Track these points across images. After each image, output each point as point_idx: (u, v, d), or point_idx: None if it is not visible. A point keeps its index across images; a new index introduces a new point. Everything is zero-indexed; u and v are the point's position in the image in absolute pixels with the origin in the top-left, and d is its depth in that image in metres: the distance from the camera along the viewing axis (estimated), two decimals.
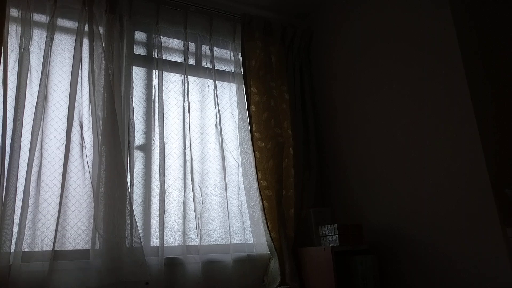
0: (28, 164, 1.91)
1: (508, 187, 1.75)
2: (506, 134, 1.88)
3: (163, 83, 2.37)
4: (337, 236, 2.12)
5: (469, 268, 1.78)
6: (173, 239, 2.19)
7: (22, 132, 1.95)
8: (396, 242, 2.14)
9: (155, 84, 2.35)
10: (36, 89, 2.04)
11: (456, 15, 1.96)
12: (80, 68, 2.14)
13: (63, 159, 1.99)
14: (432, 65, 2.02)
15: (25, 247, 1.85)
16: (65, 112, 2.08)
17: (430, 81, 2.03)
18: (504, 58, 2.06)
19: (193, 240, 2.20)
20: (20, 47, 2.06)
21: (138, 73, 2.38)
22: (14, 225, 1.83)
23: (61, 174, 1.97)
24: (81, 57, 2.16)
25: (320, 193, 2.60)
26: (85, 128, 2.09)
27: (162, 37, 2.47)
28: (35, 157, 1.94)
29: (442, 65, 1.97)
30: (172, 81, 2.46)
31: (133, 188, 2.10)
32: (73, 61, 2.13)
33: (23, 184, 1.88)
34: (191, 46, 2.59)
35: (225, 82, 2.62)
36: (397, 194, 2.17)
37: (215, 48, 2.62)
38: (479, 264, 1.74)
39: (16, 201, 1.86)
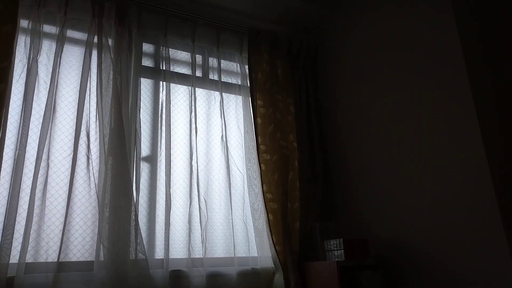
0: (34, 174, 1.89)
1: None
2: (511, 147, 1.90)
3: (170, 95, 2.37)
4: (342, 250, 2.11)
5: (476, 282, 1.78)
6: (177, 251, 2.17)
7: (29, 142, 1.94)
8: (402, 256, 2.13)
9: (162, 95, 2.36)
10: (44, 99, 2.03)
11: (459, 23, 2.00)
12: (89, 79, 2.15)
13: (69, 170, 1.98)
14: (440, 75, 2.04)
15: (29, 258, 1.83)
16: (72, 123, 2.08)
17: (435, 92, 2.05)
18: (509, 66, 2.09)
19: (198, 253, 2.18)
20: (28, 58, 2.06)
21: (145, 84, 2.38)
22: (18, 236, 1.82)
23: (67, 184, 1.96)
24: (89, 68, 2.16)
25: (325, 206, 2.59)
26: (92, 139, 2.09)
27: (170, 49, 2.48)
28: (41, 168, 1.92)
29: (449, 77, 1.99)
30: (179, 92, 2.46)
31: (138, 199, 2.09)
32: (81, 72, 2.13)
33: (29, 195, 1.87)
34: (198, 58, 2.60)
35: (232, 95, 2.63)
36: (403, 207, 2.16)
37: (222, 61, 2.64)
38: (486, 278, 1.74)
39: (21, 211, 1.85)
